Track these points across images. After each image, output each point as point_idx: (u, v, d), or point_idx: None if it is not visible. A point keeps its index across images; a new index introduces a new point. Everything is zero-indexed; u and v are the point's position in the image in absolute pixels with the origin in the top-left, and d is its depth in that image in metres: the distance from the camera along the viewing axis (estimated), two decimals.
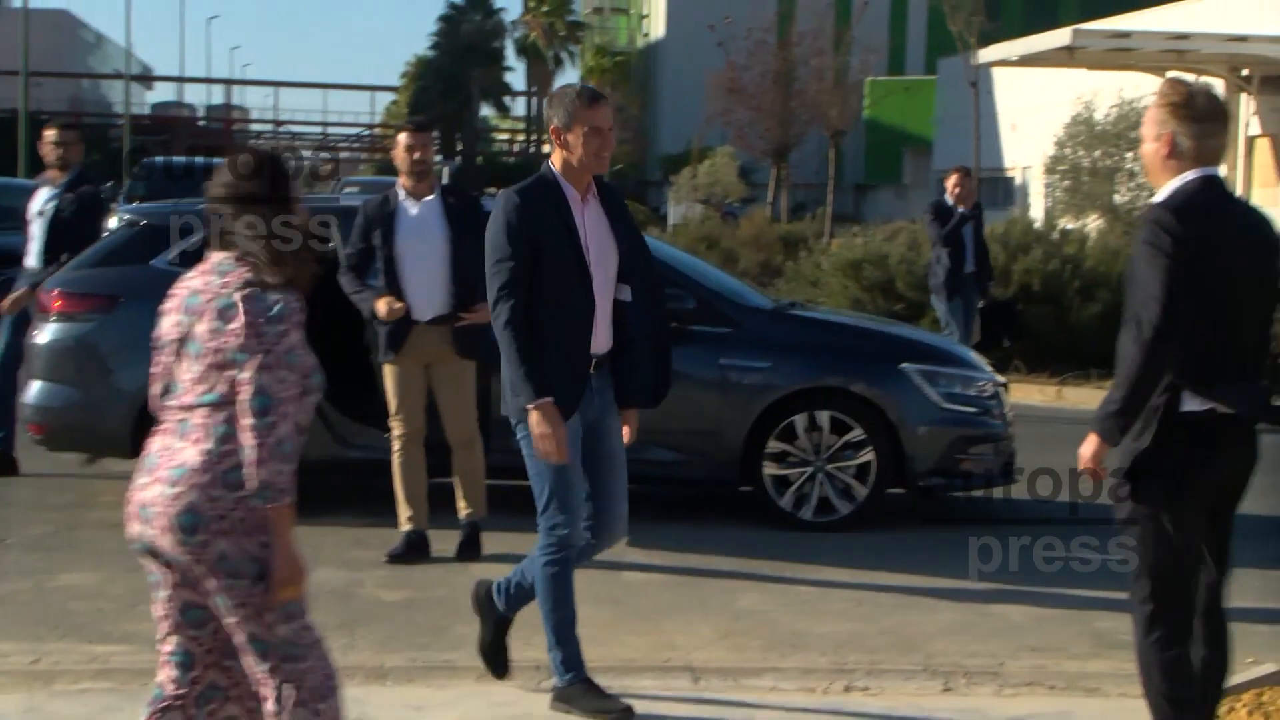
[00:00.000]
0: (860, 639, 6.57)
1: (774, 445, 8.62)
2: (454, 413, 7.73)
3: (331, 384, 8.78)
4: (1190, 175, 4.62)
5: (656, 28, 74.46)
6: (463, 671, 5.98)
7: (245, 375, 3.86)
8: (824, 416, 8.60)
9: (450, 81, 75.91)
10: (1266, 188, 35.32)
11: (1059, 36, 34.63)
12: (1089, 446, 4.59)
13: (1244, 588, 7.57)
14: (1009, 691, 5.90)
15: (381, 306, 7.58)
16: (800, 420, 8.61)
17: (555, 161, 5.44)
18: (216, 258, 4.03)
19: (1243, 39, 33.38)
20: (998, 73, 42.48)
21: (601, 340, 5.48)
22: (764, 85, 37.71)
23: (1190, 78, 4.91)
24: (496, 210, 5.40)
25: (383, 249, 7.65)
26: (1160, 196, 4.66)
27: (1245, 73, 34.79)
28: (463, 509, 7.83)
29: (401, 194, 7.72)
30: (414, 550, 7.76)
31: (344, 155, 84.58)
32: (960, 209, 13.37)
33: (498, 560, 7.58)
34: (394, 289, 7.62)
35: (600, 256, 5.44)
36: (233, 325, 3.89)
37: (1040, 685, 5.97)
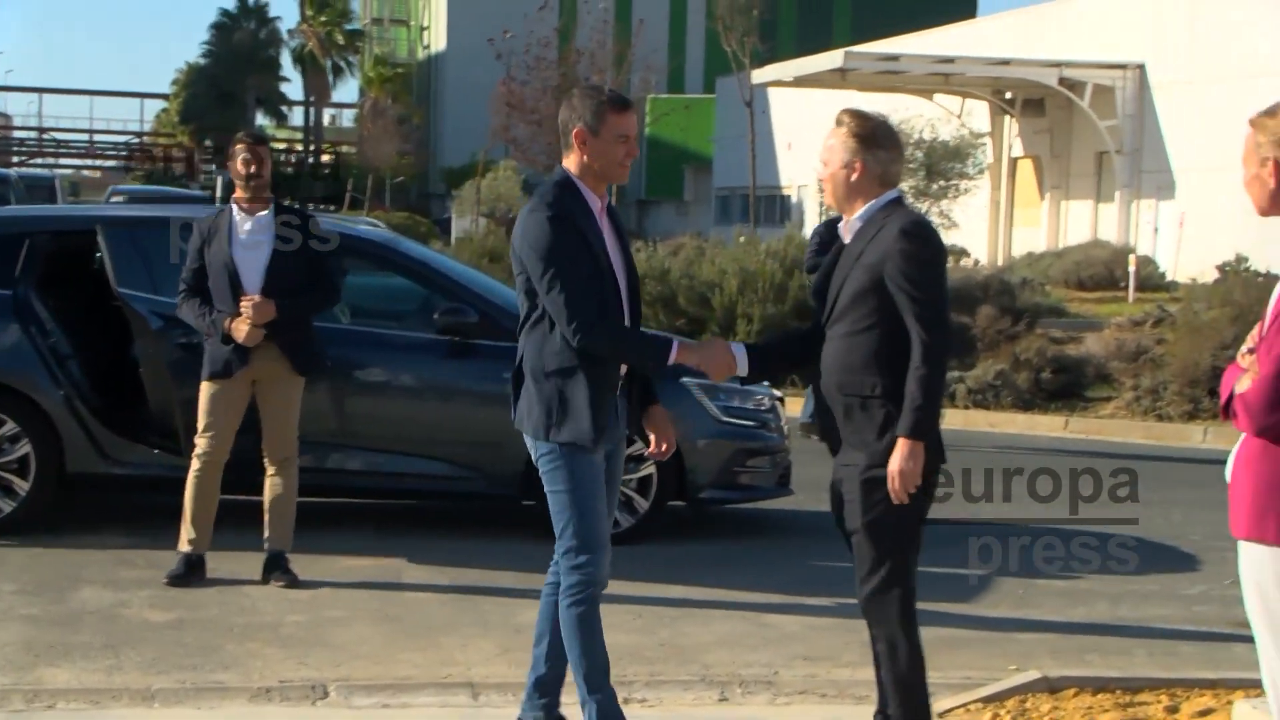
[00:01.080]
0: (639, 651, 6.60)
1: None
2: (277, 430, 7.51)
3: (97, 398, 8.64)
4: (888, 196, 4.84)
5: (437, 40, 74.06)
6: (234, 692, 5.83)
7: None
8: None
9: (224, 90, 74.38)
10: (1029, 208, 36.69)
11: (831, 59, 35.61)
12: (914, 453, 4.61)
13: (1007, 596, 7.84)
14: (782, 700, 5.99)
15: (242, 329, 7.29)
16: None
17: (571, 166, 5.00)
18: None
19: (1006, 63, 34.72)
20: (774, 93, 43.39)
21: None
22: (544, 100, 37.78)
23: (868, 108, 5.14)
24: (533, 215, 4.93)
25: (215, 264, 7.42)
26: (865, 212, 4.81)
27: (1009, 96, 36.17)
28: (268, 538, 7.59)
29: (234, 208, 7.53)
30: (192, 571, 7.54)
31: (112, 164, 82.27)
32: None
33: (325, 585, 7.45)
34: (228, 304, 7.38)
35: (617, 270, 5.05)
36: None
37: (812, 694, 6.07)
